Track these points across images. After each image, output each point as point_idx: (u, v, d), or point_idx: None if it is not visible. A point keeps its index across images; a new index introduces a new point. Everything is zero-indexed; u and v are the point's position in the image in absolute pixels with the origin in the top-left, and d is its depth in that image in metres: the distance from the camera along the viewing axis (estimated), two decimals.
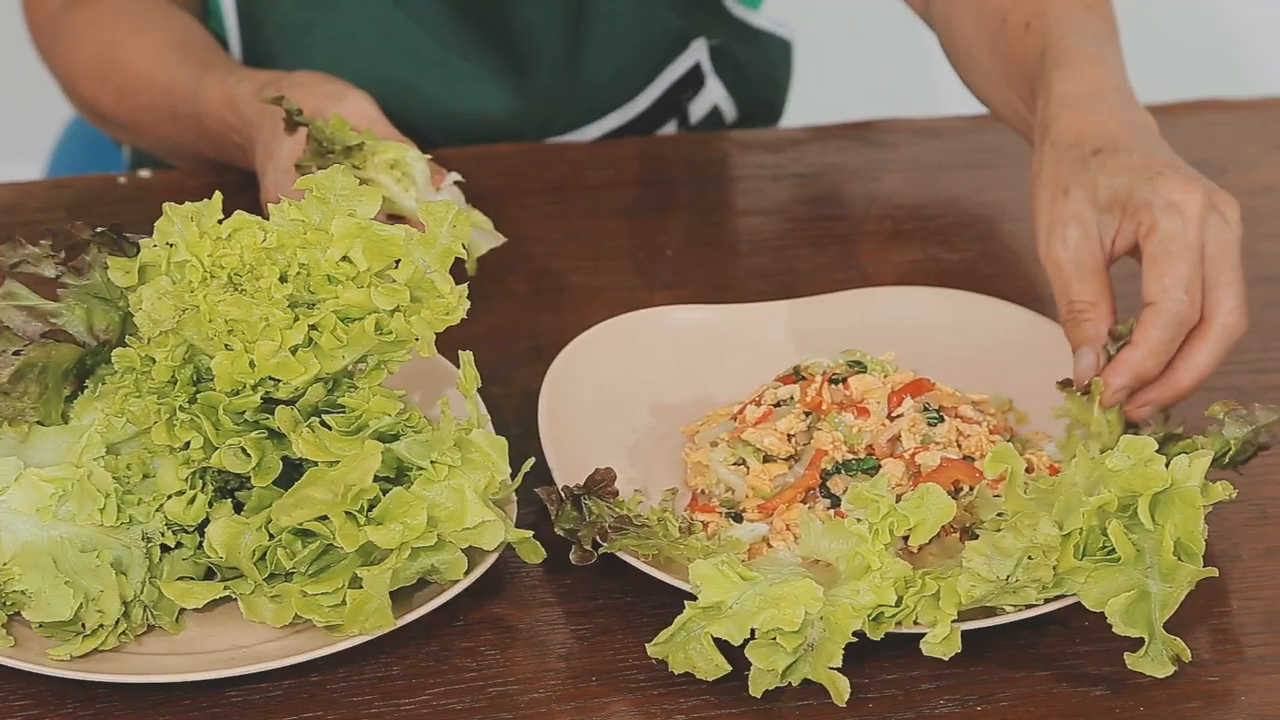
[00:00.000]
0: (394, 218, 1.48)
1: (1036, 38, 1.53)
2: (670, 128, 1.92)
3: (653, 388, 1.46)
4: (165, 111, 1.72)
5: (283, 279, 1.26)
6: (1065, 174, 1.40)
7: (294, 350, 1.24)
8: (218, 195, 1.29)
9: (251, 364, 1.23)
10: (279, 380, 1.24)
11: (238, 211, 1.28)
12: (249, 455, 1.24)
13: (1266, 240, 1.68)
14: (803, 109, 2.07)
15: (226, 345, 1.24)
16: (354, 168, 1.49)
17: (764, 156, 1.81)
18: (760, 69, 1.97)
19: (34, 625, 1.23)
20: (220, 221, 1.27)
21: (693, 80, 1.91)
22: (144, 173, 1.78)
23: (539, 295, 1.62)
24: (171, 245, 1.27)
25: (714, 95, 1.92)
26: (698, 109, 1.92)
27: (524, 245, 1.66)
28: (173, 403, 1.24)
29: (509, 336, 1.57)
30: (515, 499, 1.32)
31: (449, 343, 1.36)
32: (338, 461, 1.23)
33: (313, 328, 1.25)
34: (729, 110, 1.94)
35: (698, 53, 1.90)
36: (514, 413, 1.45)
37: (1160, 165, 1.38)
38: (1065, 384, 1.38)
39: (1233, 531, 1.36)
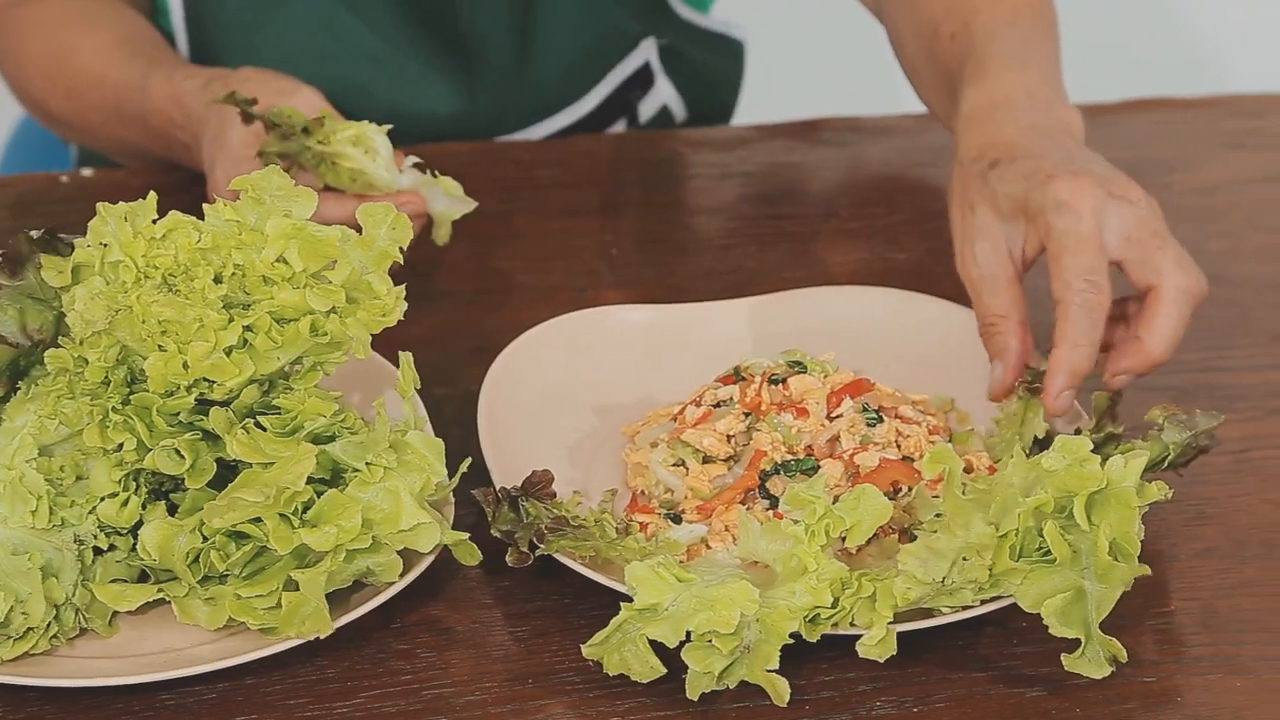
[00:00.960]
0: (362, 197, 1.49)
1: (960, 49, 1.56)
2: (619, 127, 1.91)
3: (595, 388, 1.45)
4: (113, 111, 1.71)
5: (218, 280, 1.26)
6: (970, 190, 1.43)
7: (228, 351, 1.23)
8: (152, 195, 1.28)
9: (185, 365, 1.23)
10: (213, 382, 1.23)
11: (172, 212, 1.27)
12: (183, 457, 1.23)
13: (1212, 239, 1.68)
14: (757, 108, 2.06)
15: (160, 346, 1.23)
16: (318, 144, 1.49)
17: (712, 155, 1.81)
18: (711, 69, 1.97)
19: None
20: (155, 221, 1.27)
21: (642, 79, 1.90)
22: (86, 172, 1.77)
23: (485, 295, 1.61)
24: (105, 245, 1.26)
25: (663, 95, 1.92)
26: (647, 108, 1.92)
27: (471, 245, 1.66)
28: (106, 404, 1.24)
29: (454, 337, 1.56)
30: (453, 500, 1.31)
31: (392, 344, 1.35)
32: (273, 463, 1.23)
33: (247, 329, 1.24)
34: (679, 110, 1.94)
35: (647, 52, 1.89)
36: (456, 413, 1.45)
37: (1051, 168, 1.39)
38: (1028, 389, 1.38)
39: (1171, 531, 1.36)
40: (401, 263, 1.30)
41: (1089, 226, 1.37)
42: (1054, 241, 1.37)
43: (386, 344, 1.36)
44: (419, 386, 1.31)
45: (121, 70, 1.70)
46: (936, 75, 1.62)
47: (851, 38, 2.34)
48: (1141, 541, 1.30)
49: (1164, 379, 1.50)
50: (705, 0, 1.98)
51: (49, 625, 1.22)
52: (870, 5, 1.78)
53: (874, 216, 1.71)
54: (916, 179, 1.76)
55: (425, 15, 1.78)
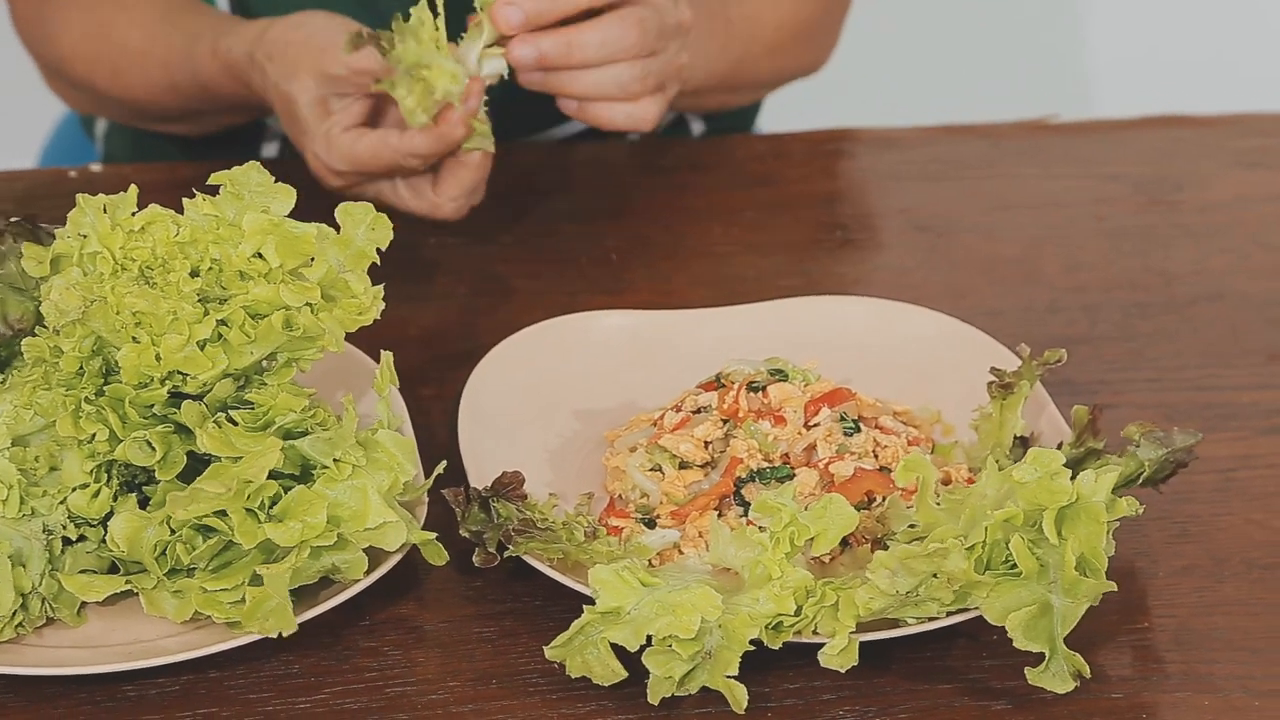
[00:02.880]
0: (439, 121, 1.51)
1: None
2: (634, 135, 1.91)
3: (580, 392, 1.45)
4: (163, 85, 1.71)
5: (194, 274, 1.26)
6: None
7: (202, 345, 1.24)
8: (133, 189, 1.29)
9: (158, 357, 1.23)
10: (186, 375, 1.24)
11: (152, 205, 1.28)
12: (154, 449, 1.24)
13: (1216, 255, 1.67)
14: (781, 118, 2.06)
15: (134, 338, 1.23)
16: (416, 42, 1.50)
17: (717, 163, 1.81)
18: None
19: None
20: (134, 214, 1.27)
21: None
22: (95, 167, 1.78)
23: (479, 298, 1.62)
24: (84, 236, 1.27)
25: None
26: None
27: (469, 247, 1.66)
28: (79, 394, 1.24)
29: (445, 338, 1.56)
30: (426, 500, 1.31)
31: (383, 343, 1.36)
32: (241, 457, 1.23)
33: (221, 323, 1.24)
34: (695, 122, 1.94)
35: None
36: (443, 415, 1.45)
37: None
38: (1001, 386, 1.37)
39: (1152, 548, 1.35)
40: (379, 262, 1.30)
41: None
42: None
43: (378, 344, 1.36)
44: (396, 385, 1.31)
45: (165, 45, 1.70)
46: None
47: (867, 50, 2.34)
48: (1120, 557, 1.30)
49: (1156, 395, 1.50)
50: None
51: (15, 614, 1.23)
52: None
53: (877, 228, 1.71)
54: (922, 191, 1.75)
55: None
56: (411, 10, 1.49)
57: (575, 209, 1.74)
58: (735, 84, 1.79)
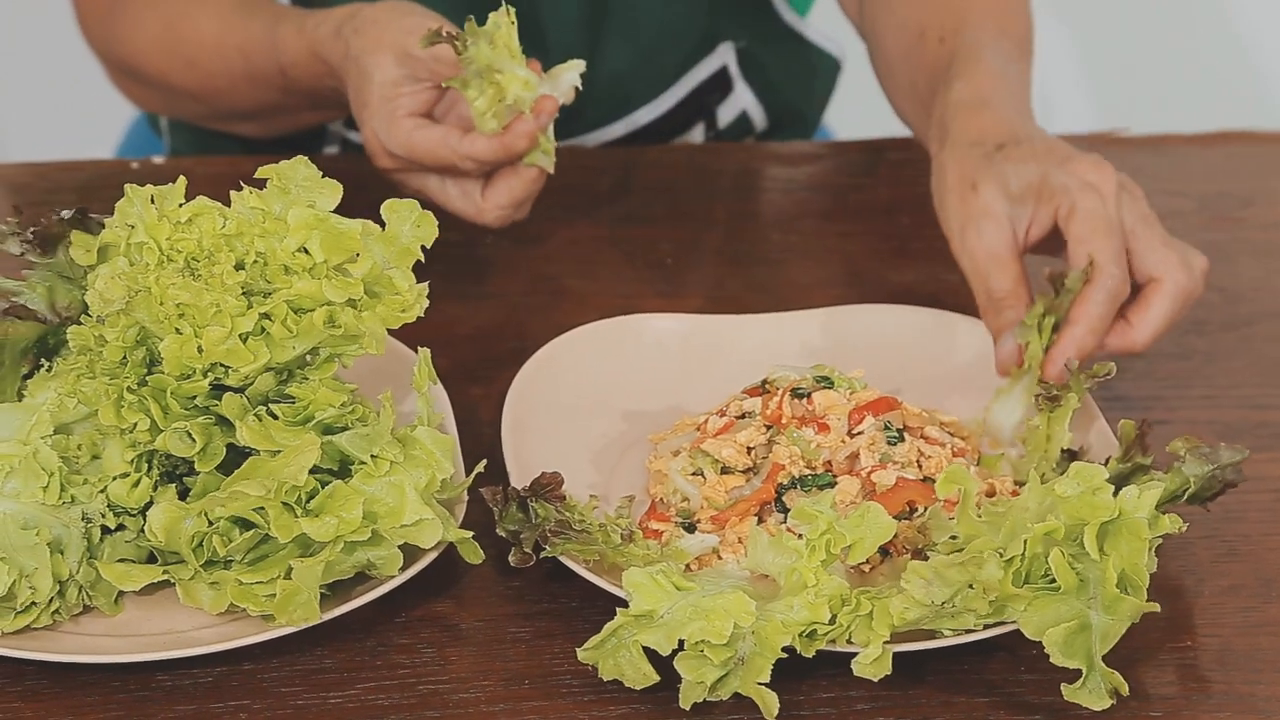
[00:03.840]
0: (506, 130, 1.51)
1: (947, 51, 1.57)
2: (698, 131, 1.91)
3: (627, 394, 1.45)
4: (241, 73, 1.71)
5: (239, 266, 1.26)
6: (971, 171, 1.43)
7: (244, 338, 1.24)
8: (181, 180, 1.29)
9: (200, 349, 1.23)
10: (228, 367, 1.24)
11: (199, 197, 1.28)
12: (194, 440, 1.24)
13: (1277, 275, 1.65)
14: (854, 123, 2.05)
15: (177, 329, 1.24)
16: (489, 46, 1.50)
17: (778, 169, 1.80)
18: (795, 78, 1.96)
19: None
20: (181, 205, 1.28)
21: (719, 84, 1.90)
22: (157, 159, 1.79)
23: (532, 298, 1.61)
24: (132, 226, 1.27)
25: (742, 100, 1.91)
26: (725, 114, 1.91)
27: (524, 248, 1.66)
28: (122, 384, 1.24)
29: (496, 337, 1.56)
30: (466, 498, 1.31)
31: (434, 341, 1.36)
32: (280, 451, 1.23)
33: (264, 316, 1.25)
34: (758, 117, 1.93)
35: (724, 56, 1.89)
36: (490, 414, 1.44)
37: (1066, 151, 1.42)
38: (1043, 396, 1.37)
39: (1199, 566, 1.34)
40: (423, 259, 1.30)
41: (1114, 210, 1.40)
42: (1080, 222, 1.38)
43: (429, 342, 1.36)
44: (436, 382, 1.31)
45: (244, 32, 1.69)
46: (912, 75, 1.62)
47: None
48: (1167, 575, 1.28)
49: (1210, 413, 1.48)
50: (804, 3, 1.97)
51: (51, 600, 1.23)
52: (850, 13, 1.79)
53: (933, 237, 1.68)
54: None
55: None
56: (490, 15, 1.50)
57: (633, 212, 1.73)
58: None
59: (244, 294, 1.25)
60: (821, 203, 1.76)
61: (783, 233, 1.71)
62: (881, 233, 1.71)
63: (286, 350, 1.25)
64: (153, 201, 1.27)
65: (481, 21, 1.50)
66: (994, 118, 1.46)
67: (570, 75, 1.52)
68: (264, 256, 1.27)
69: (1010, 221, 1.41)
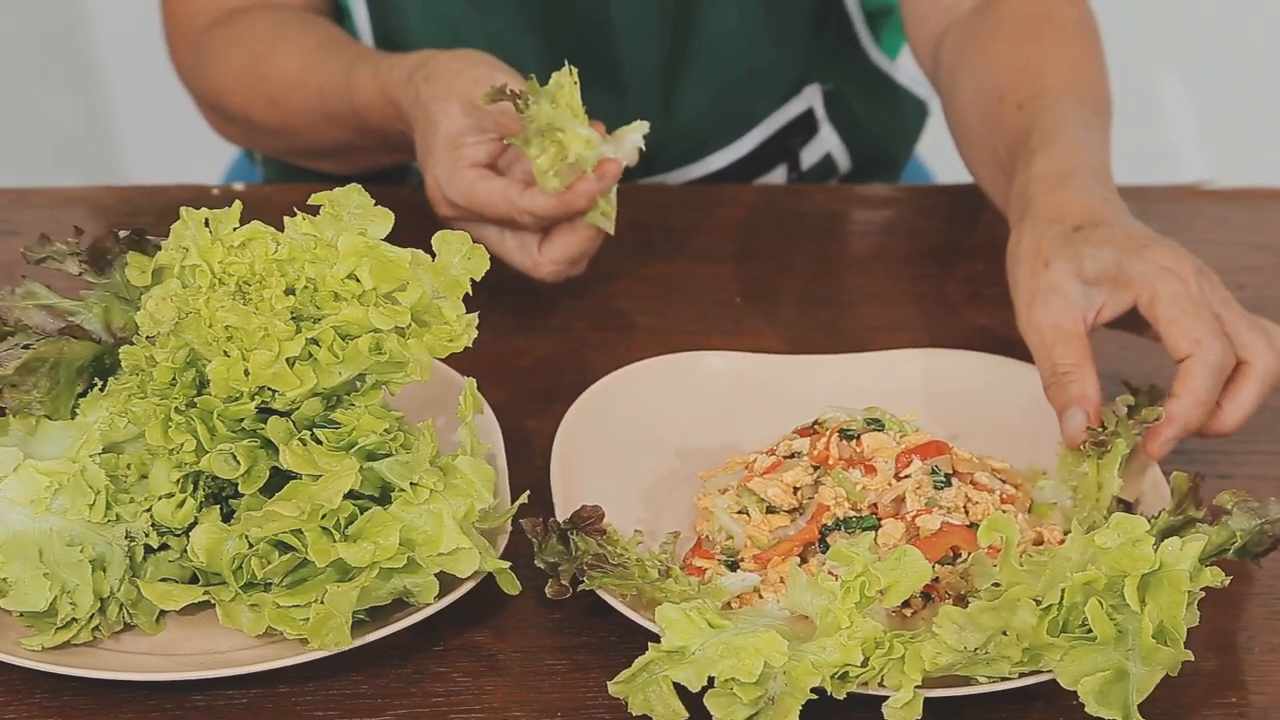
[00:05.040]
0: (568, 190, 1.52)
1: (1026, 118, 1.56)
2: (780, 172, 1.91)
3: (681, 431, 1.44)
4: (319, 112, 1.73)
5: (289, 291, 1.27)
6: (1046, 248, 1.43)
7: (291, 362, 1.25)
8: (237, 204, 1.30)
9: (246, 372, 1.24)
10: (276, 391, 1.25)
11: (253, 221, 1.29)
12: (238, 462, 1.25)
13: None
14: (954, 168, 2.04)
15: (225, 352, 1.25)
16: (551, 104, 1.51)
17: (856, 212, 1.80)
18: (882, 121, 1.95)
19: (14, 614, 1.25)
20: (235, 229, 1.29)
21: (804, 126, 1.89)
22: (238, 185, 1.80)
23: (597, 333, 1.61)
24: (186, 249, 1.29)
25: (827, 143, 1.91)
26: (809, 155, 1.91)
27: (592, 282, 1.66)
28: (170, 404, 1.26)
29: (557, 370, 1.56)
30: (509, 529, 1.31)
31: (495, 372, 1.37)
32: (321, 476, 1.24)
33: (312, 341, 1.25)
34: (843, 160, 1.93)
35: (810, 99, 1.89)
36: (544, 445, 1.45)
37: (1142, 238, 1.42)
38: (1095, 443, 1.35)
39: (1251, 623, 1.32)
40: (471, 292, 1.30)
41: (1197, 291, 1.39)
42: (1166, 305, 1.38)
43: (490, 373, 1.37)
44: (481, 412, 1.31)
45: (323, 72, 1.71)
46: (990, 139, 1.61)
47: None
48: (1219, 631, 1.27)
49: (1268, 467, 1.46)
50: (894, 46, 1.96)
51: (91, 617, 1.24)
52: (926, 67, 1.77)
53: (1007, 284, 1.67)
54: None
55: (579, 47, 1.79)
56: (553, 75, 1.51)
57: (705, 249, 1.73)
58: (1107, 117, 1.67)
59: (293, 319, 1.26)
60: (897, 246, 1.75)
61: (856, 275, 1.70)
62: (955, 278, 1.70)
63: (332, 375, 1.26)
64: (207, 225, 1.29)
65: (544, 81, 1.51)
66: (1074, 196, 1.46)
67: (634, 137, 1.53)
68: (314, 282, 1.28)
69: (1080, 301, 1.41)
